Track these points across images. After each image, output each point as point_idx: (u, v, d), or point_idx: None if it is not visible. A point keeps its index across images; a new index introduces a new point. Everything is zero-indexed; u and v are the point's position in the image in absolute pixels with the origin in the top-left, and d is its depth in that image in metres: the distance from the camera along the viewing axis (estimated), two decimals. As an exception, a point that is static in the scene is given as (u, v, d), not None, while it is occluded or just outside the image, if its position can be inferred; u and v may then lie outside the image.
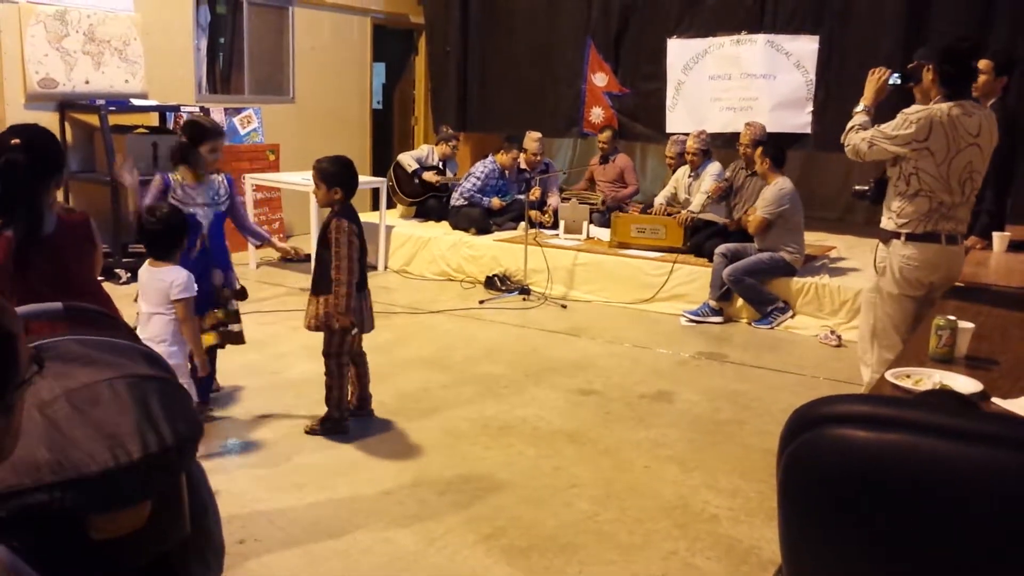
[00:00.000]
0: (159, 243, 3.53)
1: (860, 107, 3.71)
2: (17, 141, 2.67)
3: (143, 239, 3.59)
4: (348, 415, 4.08)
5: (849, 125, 3.67)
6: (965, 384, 2.34)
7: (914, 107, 3.49)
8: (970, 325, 2.66)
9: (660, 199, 7.28)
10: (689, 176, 7.06)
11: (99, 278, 3.03)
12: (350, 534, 3.15)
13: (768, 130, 7.15)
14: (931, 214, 3.49)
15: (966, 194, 3.51)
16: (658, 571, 2.97)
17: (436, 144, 8.28)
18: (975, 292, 3.52)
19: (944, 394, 2.14)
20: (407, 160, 8.12)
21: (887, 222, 3.62)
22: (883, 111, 3.74)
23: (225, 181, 4.21)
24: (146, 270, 3.54)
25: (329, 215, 3.94)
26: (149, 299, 3.50)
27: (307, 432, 4.01)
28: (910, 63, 3.72)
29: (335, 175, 3.91)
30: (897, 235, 3.58)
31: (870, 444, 1.37)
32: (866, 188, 3.93)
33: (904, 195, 3.52)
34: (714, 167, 6.91)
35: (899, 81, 3.71)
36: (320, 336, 4.02)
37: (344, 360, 4.01)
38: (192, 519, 1.67)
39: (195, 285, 3.54)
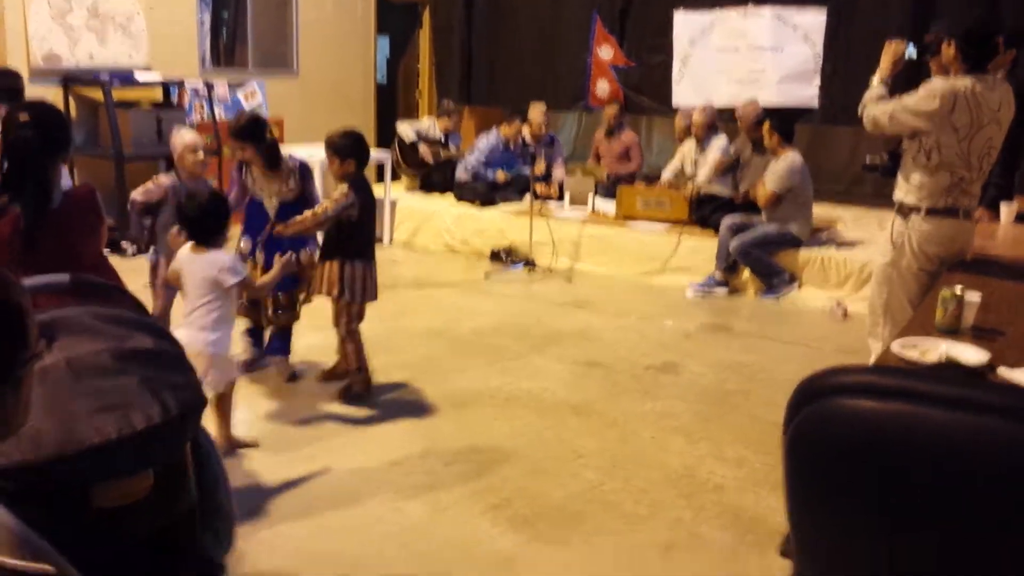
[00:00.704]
0: (200, 228, 3.43)
1: (876, 79, 3.64)
2: (26, 118, 2.68)
3: (183, 224, 3.49)
4: (369, 377, 4.19)
5: (867, 96, 3.60)
6: (972, 355, 2.34)
7: (938, 80, 3.42)
8: (977, 296, 2.66)
9: (667, 173, 7.25)
10: (696, 151, 7.02)
11: (105, 250, 3.05)
12: (360, 504, 3.19)
13: (775, 103, 7.12)
14: (952, 189, 3.44)
15: (983, 169, 3.47)
16: (664, 540, 3.00)
17: (438, 118, 8.24)
18: (982, 263, 3.52)
19: (951, 368, 2.14)
20: (405, 130, 8.06)
21: (906, 196, 3.56)
22: (896, 83, 3.69)
23: (296, 172, 4.24)
24: (188, 257, 3.43)
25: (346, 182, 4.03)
26: (194, 286, 3.40)
27: (338, 400, 4.11)
28: (927, 35, 3.65)
29: (346, 147, 3.97)
30: (917, 209, 3.52)
31: (876, 414, 1.38)
32: (877, 161, 3.87)
33: (925, 169, 3.46)
34: (720, 140, 6.87)
35: (915, 54, 3.65)
36: (325, 306, 4.13)
37: (353, 327, 4.10)
38: (202, 491, 1.68)
39: (241, 266, 3.53)
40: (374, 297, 4.14)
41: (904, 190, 3.58)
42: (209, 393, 3.41)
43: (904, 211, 3.59)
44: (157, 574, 1.50)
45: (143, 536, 1.49)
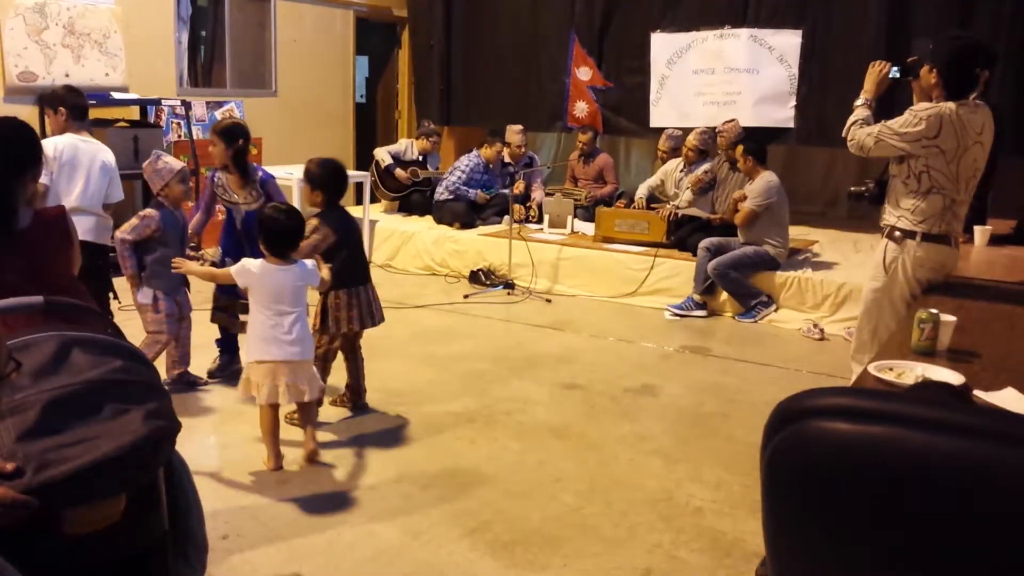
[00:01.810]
0: (283, 240, 3.54)
1: (860, 100, 3.62)
2: None
3: (267, 237, 3.55)
4: (350, 400, 4.26)
5: (851, 119, 3.58)
6: (947, 377, 2.34)
7: (922, 104, 3.42)
8: (952, 318, 2.67)
9: (643, 190, 7.27)
10: (681, 171, 7.04)
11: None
12: (334, 529, 3.14)
13: (751, 125, 7.18)
14: (945, 212, 3.42)
15: (969, 191, 3.47)
16: (642, 564, 2.98)
17: (416, 139, 8.25)
18: (957, 285, 3.54)
19: (936, 386, 2.12)
20: (381, 155, 8.08)
21: (899, 221, 3.52)
22: (879, 103, 3.69)
23: (259, 181, 4.45)
24: (271, 269, 3.51)
25: (315, 215, 4.02)
26: (289, 299, 3.51)
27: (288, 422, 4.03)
28: (910, 56, 3.66)
29: (317, 177, 4.00)
30: (912, 234, 3.48)
31: (853, 437, 1.37)
32: (863, 189, 3.83)
33: (916, 193, 3.44)
34: (708, 165, 6.89)
35: (899, 75, 3.63)
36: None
37: (320, 352, 4.00)
38: (174, 517, 1.65)
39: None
40: (369, 324, 4.13)
41: (895, 216, 3.53)
42: (309, 398, 3.59)
43: (896, 237, 3.54)
44: None
45: (116, 561, 1.47)
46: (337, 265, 3.92)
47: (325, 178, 3.99)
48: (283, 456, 3.63)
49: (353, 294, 4.03)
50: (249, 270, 3.52)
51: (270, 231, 3.53)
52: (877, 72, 3.65)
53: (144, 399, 1.48)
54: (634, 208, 7.12)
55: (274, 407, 3.56)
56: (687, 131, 7.10)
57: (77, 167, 4.54)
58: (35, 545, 1.32)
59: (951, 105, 3.34)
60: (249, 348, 3.55)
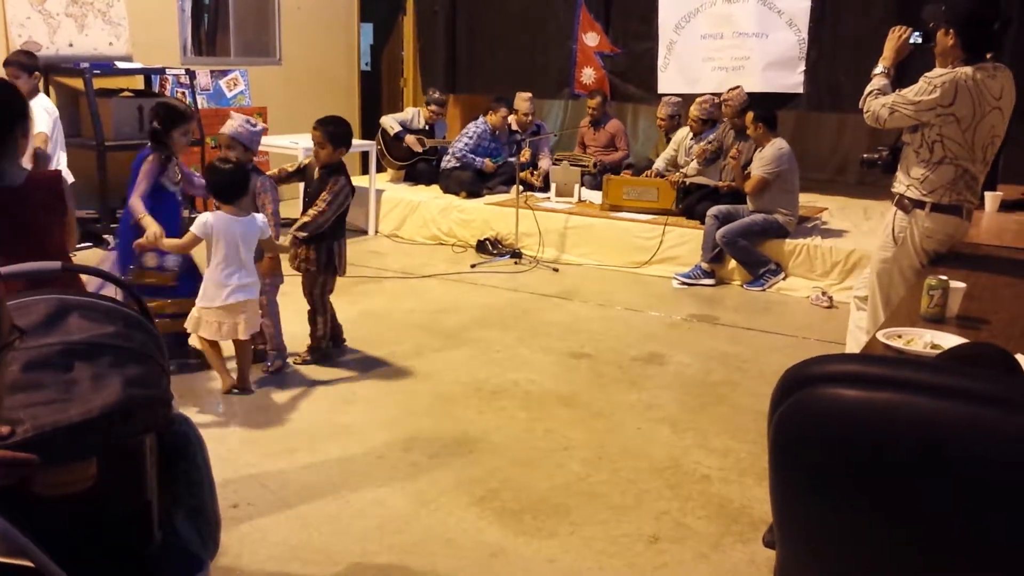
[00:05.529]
0: (235, 191, 3.85)
1: (879, 68, 3.51)
2: None
3: (216, 189, 3.90)
4: (330, 345, 4.50)
5: (868, 90, 3.48)
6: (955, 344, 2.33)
7: (937, 71, 3.32)
8: (961, 285, 2.65)
9: (660, 163, 7.21)
10: (691, 140, 6.97)
11: (87, 244, 2.98)
12: (342, 497, 3.16)
13: (760, 90, 7.10)
14: (956, 182, 3.35)
15: (987, 160, 3.38)
16: (650, 531, 2.99)
17: (425, 106, 8.19)
18: (967, 252, 3.51)
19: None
20: (389, 123, 8.02)
21: (909, 190, 3.44)
22: (900, 71, 3.60)
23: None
24: (229, 220, 3.81)
25: (323, 172, 4.28)
26: (239, 245, 3.79)
27: (296, 364, 4.37)
28: (921, 25, 3.56)
29: (343, 136, 4.28)
30: (922, 204, 3.41)
31: (860, 403, 1.36)
32: (876, 156, 3.75)
33: (928, 163, 3.36)
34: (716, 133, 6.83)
35: (920, 40, 3.48)
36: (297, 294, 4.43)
37: (326, 298, 4.40)
38: (187, 490, 1.66)
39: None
40: (343, 272, 4.47)
41: (906, 184, 3.46)
42: (245, 335, 3.91)
43: (906, 206, 3.47)
44: (109, 566, 1.48)
45: (95, 527, 1.47)
46: (342, 217, 4.32)
47: (347, 136, 4.31)
48: (232, 377, 4.03)
49: (343, 243, 4.39)
50: (206, 222, 3.81)
51: (221, 182, 3.86)
52: (897, 38, 3.50)
53: (127, 366, 1.46)
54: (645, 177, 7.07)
55: (214, 343, 3.97)
56: (686, 98, 7.03)
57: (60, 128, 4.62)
58: (7, 508, 1.32)
59: (967, 70, 3.25)
60: (203, 291, 3.83)
